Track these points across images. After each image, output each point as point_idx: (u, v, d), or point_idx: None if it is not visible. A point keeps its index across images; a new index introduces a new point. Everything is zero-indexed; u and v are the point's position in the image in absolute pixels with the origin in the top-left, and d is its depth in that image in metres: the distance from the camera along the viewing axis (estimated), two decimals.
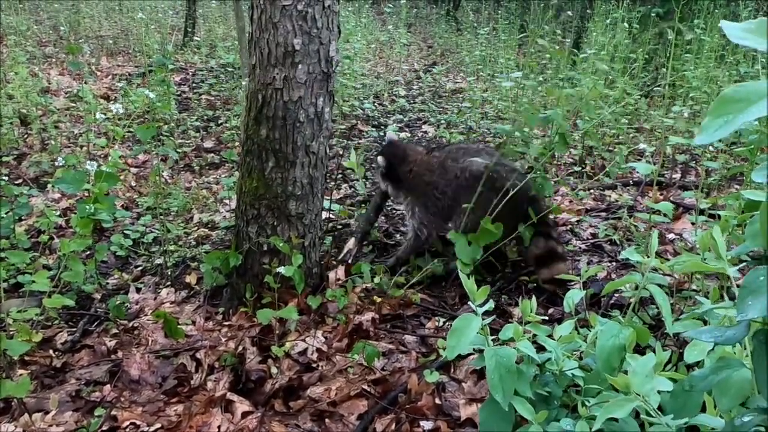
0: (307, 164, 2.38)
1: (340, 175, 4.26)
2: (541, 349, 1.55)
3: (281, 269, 2.20)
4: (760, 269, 0.79)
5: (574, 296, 1.74)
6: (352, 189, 4.05)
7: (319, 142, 2.39)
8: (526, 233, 2.58)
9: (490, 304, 1.38)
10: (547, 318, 2.42)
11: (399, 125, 5.43)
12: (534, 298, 1.51)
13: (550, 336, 1.49)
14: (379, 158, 2.89)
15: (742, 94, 0.68)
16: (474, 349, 1.45)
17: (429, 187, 2.77)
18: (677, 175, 4.12)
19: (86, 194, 2.40)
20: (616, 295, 2.56)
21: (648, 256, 1.45)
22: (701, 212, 2.64)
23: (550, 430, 1.31)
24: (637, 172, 3.96)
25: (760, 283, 0.77)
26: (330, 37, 2.28)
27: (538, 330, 1.43)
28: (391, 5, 9.03)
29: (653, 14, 5.71)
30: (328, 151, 2.48)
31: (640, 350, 1.68)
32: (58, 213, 3.41)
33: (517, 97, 5.17)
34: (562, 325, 1.65)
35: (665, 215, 2.09)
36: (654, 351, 1.49)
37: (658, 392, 1.37)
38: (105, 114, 2.35)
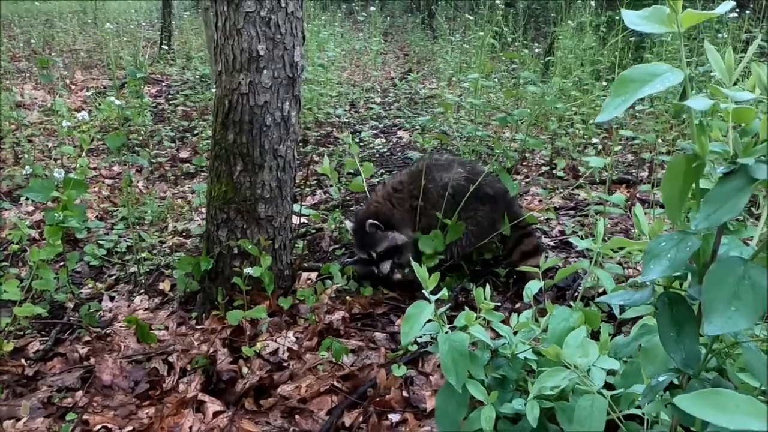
0: (275, 168, 2.43)
1: (314, 181, 4.30)
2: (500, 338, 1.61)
3: (249, 270, 2.23)
4: (661, 236, 0.85)
5: (533, 287, 1.80)
6: (327, 194, 4.09)
7: (286, 145, 2.44)
8: (510, 232, 2.73)
9: (444, 293, 1.43)
10: (515, 310, 2.51)
11: (374, 131, 5.50)
12: (488, 286, 1.57)
13: (505, 322, 1.54)
14: (368, 222, 2.66)
15: (636, 76, 0.74)
16: (432, 337, 1.50)
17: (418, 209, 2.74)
18: (644, 173, 4.22)
19: (56, 203, 2.42)
20: (581, 288, 2.63)
21: (596, 243, 1.51)
22: (661, 206, 2.72)
23: (502, 410, 1.36)
24: (610, 173, 4.07)
25: (661, 249, 0.84)
26: (294, 42, 2.34)
27: (491, 316, 1.49)
28: (364, 14, 9.12)
29: (618, 18, 5.84)
30: (296, 154, 2.53)
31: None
32: (29, 225, 3.40)
33: (489, 101, 5.26)
34: (521, 314, 1.71)
35: (617, 206, 2.17)
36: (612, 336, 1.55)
37: (613, 374, 1.43)
38: (70, 122, 2.37)
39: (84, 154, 2.24)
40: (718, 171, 0.76)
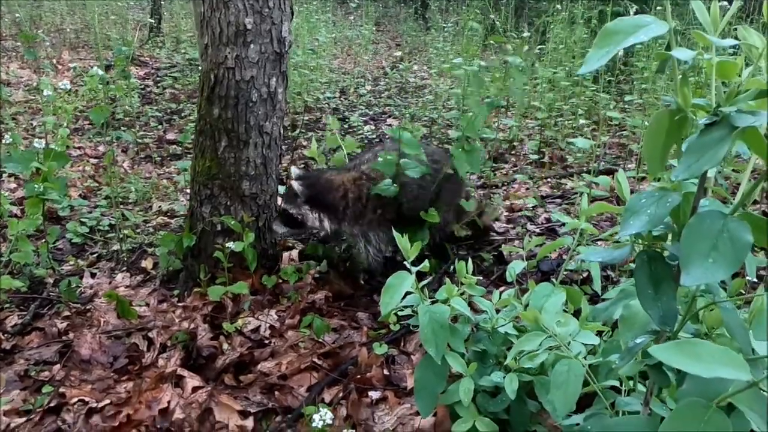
0: (260, 144, 2.40)
1: (302, 165, 4.28)
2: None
3: (231, 244, 2.21)
4: (641, 194, 0.84)
5: (516, 267, 1.79)
6: None
7: (272, 122, 2.41)
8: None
9: (426, 264, 1.41)
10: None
11: (364, 118, 5.47)
12: (471, 262, 1.56)
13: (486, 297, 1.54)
14: (294, 182, 2.45)
15: (620, 27, 0.73)
16: (413, 311, 1.49)
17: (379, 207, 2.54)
18: (631, 165, 4.23)
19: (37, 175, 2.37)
20: (566, 272, 2.63)
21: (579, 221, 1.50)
22: None
23: (481, 383, 1.35)
24: (598, 165, 4.08)
25: (641, 205, 0.83)
26: (282, 17, 2.31)
27: (473, 290, 1.48)
28: (356, 1, 9.07)
29: (610, 12, 5.85)
30: (282, 132, 2.50)
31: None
32: (11, 201, 3.36)
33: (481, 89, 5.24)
34: (504, 293, 1.70)
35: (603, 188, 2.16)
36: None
37: (593, 354, 1.43)
38: (51, 92, 2.33)
39: (65, 124, 2.20)
40: (700, 122, 0.76)
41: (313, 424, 1.19)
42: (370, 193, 2.48)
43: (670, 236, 0.89)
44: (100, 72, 2.31)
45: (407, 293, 1.40)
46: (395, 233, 1.40)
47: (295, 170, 2.59)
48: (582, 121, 3.46)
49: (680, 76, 0.76)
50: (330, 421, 1.20)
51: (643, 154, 0.85)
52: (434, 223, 2.56)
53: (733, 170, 2.08)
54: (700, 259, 0.71)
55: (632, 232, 0.81)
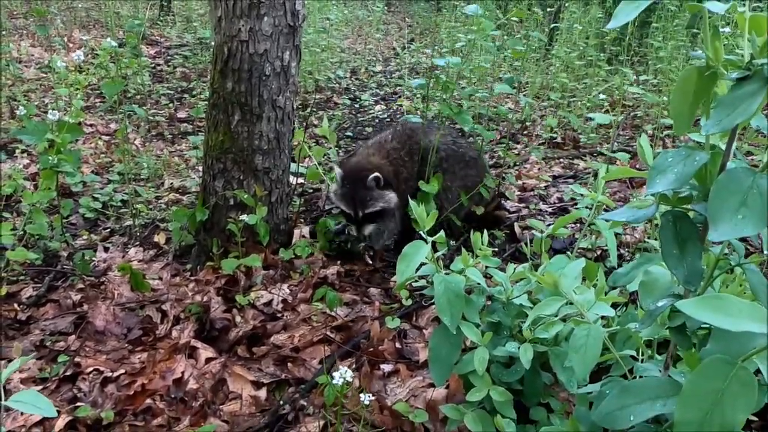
0: (273, 119, 2.39)
1: (313, 143, 4.27)
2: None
3: (245, 217, 2.21)
4: (668, 152, 0.83)
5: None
6: (326, 156, 4.05)
7: (285, 96, 2.40)
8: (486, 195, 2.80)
9: (442, 235, 1.41)
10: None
11: (375, 98, 5.45)
12: (485, 233, 1.55)
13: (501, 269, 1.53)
14: (373, 175, 2.44)
15: None
16: (428, 282, 1.48)
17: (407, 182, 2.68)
18: None
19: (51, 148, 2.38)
20: (579, 250, 2.62)
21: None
22: None
23: (495, 354, 1.35)
24: (609, 145, 4.05)
25: (668, 164, 0.82)
26: None
27: (488, 261, 1.47)
28: None
29: None
30: (294, 107, 2.49)
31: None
32: (24, 177, 3.37)
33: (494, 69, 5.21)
34: (519, 267, 1.70)
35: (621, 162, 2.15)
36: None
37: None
38: (65, 63, 2.32)
39: (78, 96, 2.20)
40: (731, 77, 0.74)
41: (334, 381, 1.19)
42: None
43: (694, 196, 0.88)
44: (113, 43, 2.30)
45: (422, 264, 1.40)
46: (411, 202, 1.39)
47: (338, 170, 2.51)
48: (601, 96, 3.44)
49: (711, 30, 0.75)
50: (350, 379, 1.20)
51: (670, 111, 0.83)
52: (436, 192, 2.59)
53: (750, 144, 2.05)
54: (729, 215, 0.70)
55: (659, 190, 0.80)
